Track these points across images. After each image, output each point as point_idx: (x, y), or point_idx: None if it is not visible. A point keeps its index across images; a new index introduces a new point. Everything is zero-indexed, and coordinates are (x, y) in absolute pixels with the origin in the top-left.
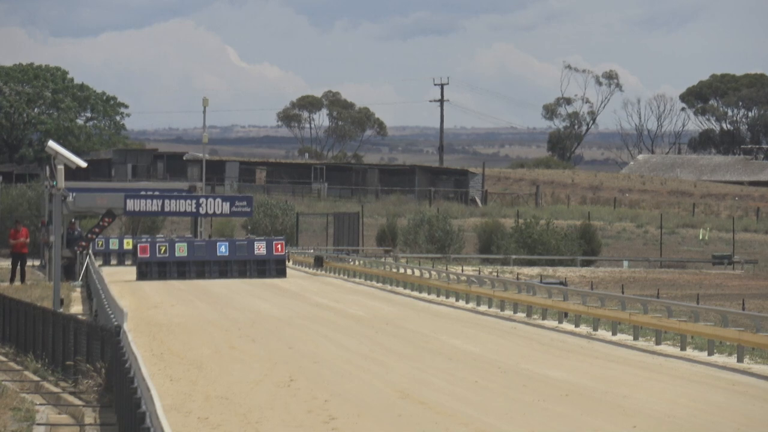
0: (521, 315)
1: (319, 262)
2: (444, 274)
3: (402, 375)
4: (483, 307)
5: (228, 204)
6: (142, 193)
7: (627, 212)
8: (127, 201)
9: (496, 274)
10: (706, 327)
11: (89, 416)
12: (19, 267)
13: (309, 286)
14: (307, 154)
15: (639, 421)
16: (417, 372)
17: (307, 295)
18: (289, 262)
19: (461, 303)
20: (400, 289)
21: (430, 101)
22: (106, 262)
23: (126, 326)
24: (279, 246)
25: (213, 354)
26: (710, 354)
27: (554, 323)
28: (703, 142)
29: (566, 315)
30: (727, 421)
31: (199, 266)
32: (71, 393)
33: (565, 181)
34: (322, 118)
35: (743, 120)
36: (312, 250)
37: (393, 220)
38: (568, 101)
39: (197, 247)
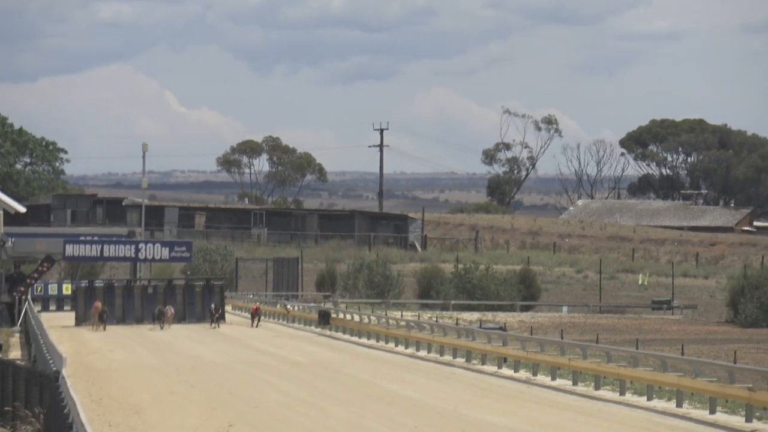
0: (460, 360)
1: (325, 319)
2: (383, 320)
3: (341, 420)
4: (422, 352)
5: (167, 249)
6: (82, 238)
7: (566, 257)
8: (66, 246)
9: (435, 319)
10: (646, 372)
11: None
12: None
13: (248, 331)
14: (246, 200)
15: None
16: (356, 417)
17: (246, 340)
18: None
19: (400, 348)
20: (339, 334)
21: (370, 146)
22: (45, 308)
23: (65, 371)
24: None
25: (152, 399)
26: (649, 399)
27: (494, 368)
28: (642, 187)
29: (505, 360)
30: None
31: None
32: None
33: (504, 227)
34: (262, 164)
35: (683, 165)
36: (252, 296)
37: (332, 265)
38: (508, 146)
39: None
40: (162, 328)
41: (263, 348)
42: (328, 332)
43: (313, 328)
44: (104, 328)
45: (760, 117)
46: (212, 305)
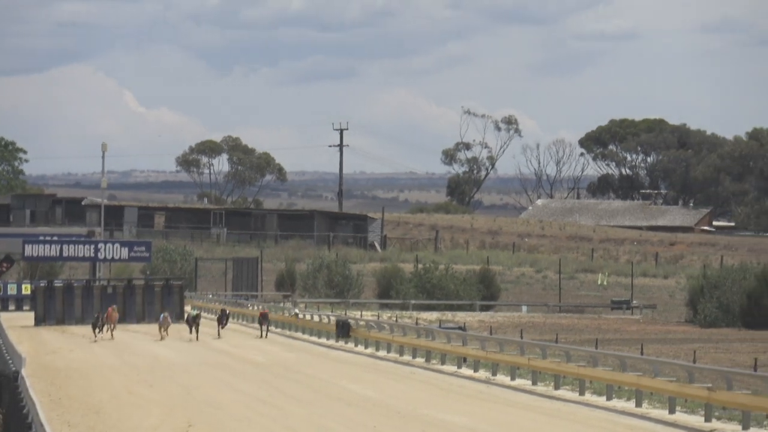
0: (420, 360)
1: (345, 331)
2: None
3: (301, 420)
4: (382, 352)
5: (127, 249)
6: (41, 238)
7: (526, 257)
8: (26, 246)
9: (395, 319)
10: (605, 372)
11: None
12: None
13: (208, 330)
14: (206, 199)
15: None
16: (316, 417)
17: (206, 339)
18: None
19: (360, 348)
20: (299, 335)
21: (330, 146)
22: (5, 308)
23: (24, 372)
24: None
25: (111, 399)
26: (609, 399)
27: (453, 368)
28: (601, 186)
29: (465, 360)
30: None
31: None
32: None
33: (464, 226)
34: (221, 163)
35: (642, 165)
36: (211, 295)
37: (292, 265)
38: (467, 146)
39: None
40: (101, 337)
41: (222, 348)
42: (288, 332)
43: (324, 341)
44: (111, 336)
45: (720, 117)
46: (219, 313)
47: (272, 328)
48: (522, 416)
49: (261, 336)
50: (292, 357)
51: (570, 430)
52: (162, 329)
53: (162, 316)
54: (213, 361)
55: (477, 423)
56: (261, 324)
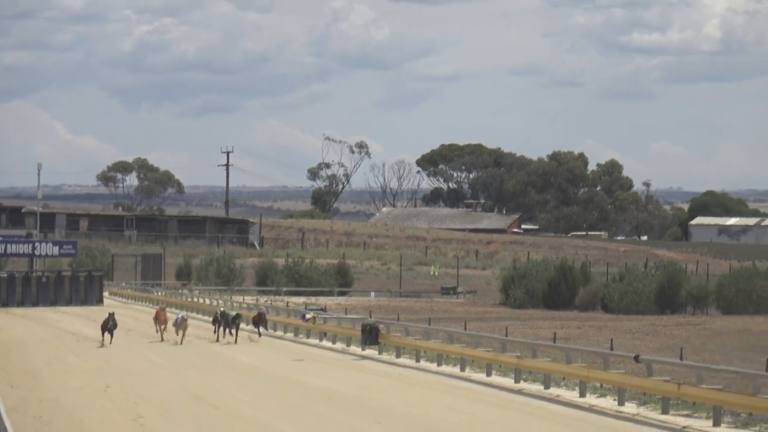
0: (290, 335)
1: (372, 336)
2: (229, 303)
3: (197, 383)
4: (261, 329)
5: (57, 247)
6: None
7: (374, 253)
8: None
9: (270, 302)
10: (436, 344)
11: None
12: None
13: (121, 311)
14: (120, 208)
15: (383, 418)
16: (209, 381)
17: (121, 319)
18: (105, 293)
19: (243, 325)
20: (194, 314)
21: (218, 165)
22: None
23: None
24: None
25: (46, 366)
26: (439, 365)
27: (316, 341)
28: (433, 197)
29: (326, 334)
30: (453, 418)
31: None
32: None
33: (325, 229)
34: (132, 179)
35: (465, 180)
36: (124, 284)
37: (189, 259)
38: (328, 165)
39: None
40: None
41: (133, 325)
42: (184, 312)
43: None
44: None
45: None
46: (229, 316)
47: (279, 333)
48: (371, 380)
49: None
50: (190, 332)
51: (409, 391)
52: (178, 331)
53: (180, 317)
54: (126, 336)
55: (336, 385)
56: (257, 326)
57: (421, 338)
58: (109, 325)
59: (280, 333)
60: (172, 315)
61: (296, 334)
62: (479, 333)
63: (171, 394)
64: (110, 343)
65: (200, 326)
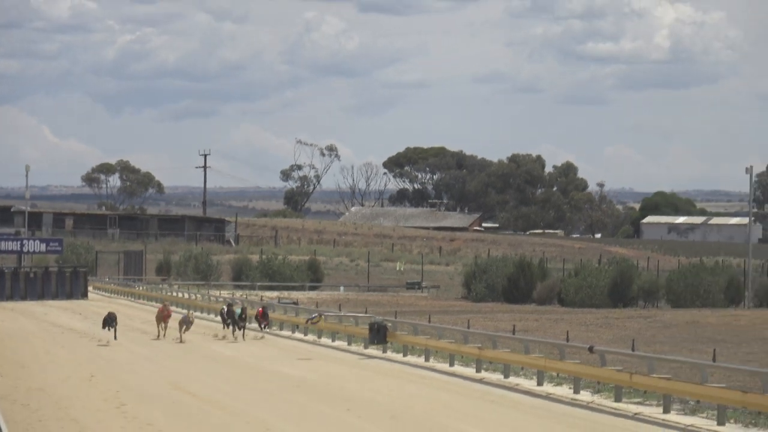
0: (299, 334)
1: (381, 335)
2: (206, 297)
3: (175, 372)
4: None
5: (44, 244)
6: None
7: (343, 250)
8: None
9: (245, 296)
10: (402, 335)
11: None
12: None
13: (105, 305)
14: (103, 207)
15: (352, 405)
16: (186, 370)
17: (101, 312)
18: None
19: (219, 318)
20: (174, 308)
21: (196, 167)
22: None
23: None
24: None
25: (33, 357)
26: (405, 355)
27: (289, 333)
28: (399, 197)
29: (298, 327)
30: (417, 404)
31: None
32: None
33: (297, 227)
34: (115, 180)
35: (429, 181)
36: (107, 279)
37: (168, 256)
38: (299, 167)
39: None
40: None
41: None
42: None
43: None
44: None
45: (487, 145)
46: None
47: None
48: (340, 369)
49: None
50: (169, 324)
51: (376, 379)
52: (182, 328)
53: (185, 315)
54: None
55: (307, 374)
56: (260, 323)
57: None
58: (111, 323)
59: (280, 330)
60: (176, 315)
61: (294, 332)
62: (443, 325)
63: (151, 383)
64: (115, 339)
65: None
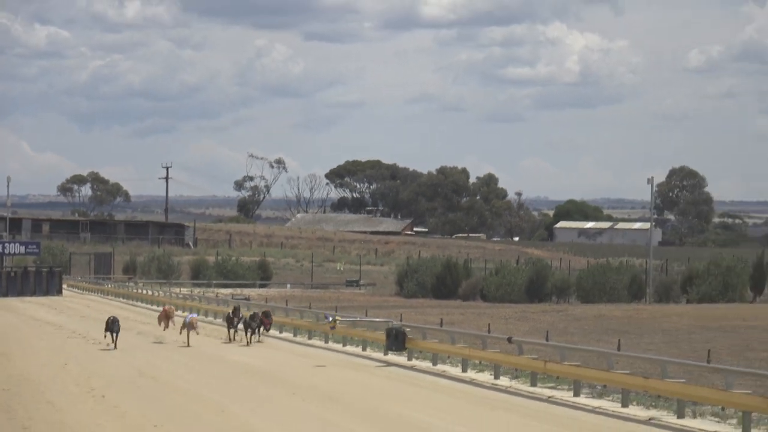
0: (219, 321)
1: (399, 342)
2: (168, 293)
3: (140, 360)
4: (201, 316)
5: (23, 247)
6: None
7: (290, 252)
8: None
9: (202, 293)
10: (343, 328)
11: None
12: None
13: (77, 300)
14: (76, 214)
15: (297, 389)
16: (151, 358)
17: (75, 307)
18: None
19: (179, 312)
20: (139, 304)
21: (159, 178)
22: None
23: None
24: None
25: (15, 347)
26: (344, 345)
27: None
28: (340, 205)
29: (299, 330)
30: (352, 389)
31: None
32: None
33: (249, 232)
34: (87, 190)
35: (367, 191)
36: (80, 278)
37: (134, 257)
38: (251, 178)
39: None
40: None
41: (87, 312)
42: (131, 302)
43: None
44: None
45: (418, 158)
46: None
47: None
48: (286, 358)
49: (254, 340)
50: (136, 317)
51: (318, 367)
52: (187, 329)
53: (188, 317)
54: (81, 322)
55: (256, 362)
56: (261, 325)
57: (349, 327)
58: (113, 327)
59: (283, 334)
60: (179, 318)
61: (295, 335)
62: (377, 319)
63: (119, 371)
64: (114, 342)
65: (203, 326)
